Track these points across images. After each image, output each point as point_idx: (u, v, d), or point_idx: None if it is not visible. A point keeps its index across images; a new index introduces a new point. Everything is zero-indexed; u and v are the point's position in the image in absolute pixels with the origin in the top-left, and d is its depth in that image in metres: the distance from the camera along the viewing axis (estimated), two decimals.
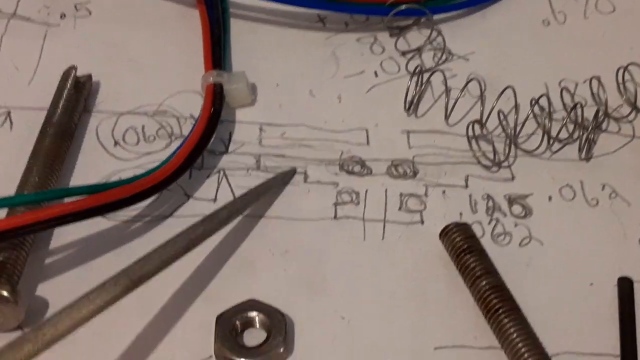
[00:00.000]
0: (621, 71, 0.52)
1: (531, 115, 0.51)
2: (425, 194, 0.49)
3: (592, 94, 0.53)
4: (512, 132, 0.51)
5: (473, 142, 0.51)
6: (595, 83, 0.52)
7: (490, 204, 0.49)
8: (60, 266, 0.46)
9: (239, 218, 0.48)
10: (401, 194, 0.49)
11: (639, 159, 0.50)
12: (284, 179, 0.50)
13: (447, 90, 0.53)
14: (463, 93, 0.52)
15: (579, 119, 0.51)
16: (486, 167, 0.50)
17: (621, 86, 0.53)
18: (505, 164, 0.50)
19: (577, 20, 0.58)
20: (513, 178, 0.50)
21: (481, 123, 0.51)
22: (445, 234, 0.46)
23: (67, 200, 0.45)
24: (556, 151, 0.51)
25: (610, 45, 0.56)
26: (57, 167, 0.49)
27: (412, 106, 0.53)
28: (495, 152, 0.50)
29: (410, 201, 0.49)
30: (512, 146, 0.51)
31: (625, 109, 0.52)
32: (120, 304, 0.44)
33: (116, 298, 0.40)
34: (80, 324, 0.40)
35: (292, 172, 0.50)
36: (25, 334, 0.39)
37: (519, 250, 0.47)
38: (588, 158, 0.50)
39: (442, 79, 0.53)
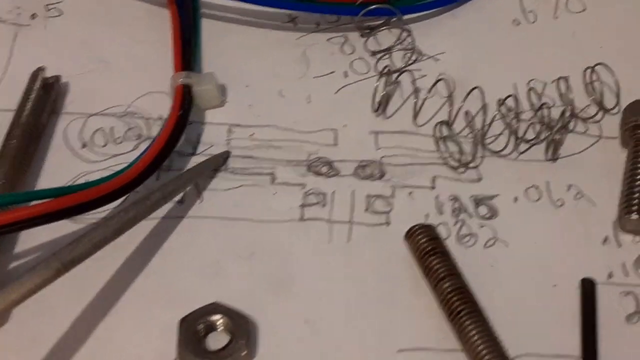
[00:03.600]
0: (589, 71, 0.52)
1: (498, 116, 0.51)
2: (392, 196, 0.50)
3: (560, 94, 0.53)
4: (480, 132, 0.51)
5: (440, 143, 0.51)
6: (562, 83, 0.52)
7: (457, 205, 0.49)
8: (25, 268, 0.46)
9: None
10: (368, 196, 0.50)
11: (605, 159, 0.51)
12: (217, 161, 0.50)
13: (416, 91, 0.53)
14: (431, 93, 0.52)
15: (546, 120, 0.51)
16: (453, 168, 0.50)
17: (589, 86, 0.53)
18: (473, 164, 0.50)
19: (547, 19, 0.58)
20: (480, 179, 0.50)
21: (448, 124, 0.51)
22: (410, 235, 0.46)
23: (33, 203, 0.45)
24: (523, 152, 0.51)
25: (580, 45, 0.56)
26: (24, 169, 0.49)
27: (380, 107, 0.53)
28: (462, 153, 0.50)
29: (377, 203, 0.49)
30: (480, 147, 0.51)
31: (593, 109, 0.52)
32: (82, 304, 0.45)
33: (47, 281, 0.41)
34: (12, 307, 0.41)
35: (225, 155, 0.50)
36: None
37: (484, 251, 0.47)
38: (554, 159, 0.51)
39: (412, 79, 0.53)
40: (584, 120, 0.52)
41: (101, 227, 0.44)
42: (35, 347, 0.44)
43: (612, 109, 0.52)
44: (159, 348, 0.43)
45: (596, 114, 0.52)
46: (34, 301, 0.44)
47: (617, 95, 0.52)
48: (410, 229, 0.46)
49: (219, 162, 0.50)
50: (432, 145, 0.51)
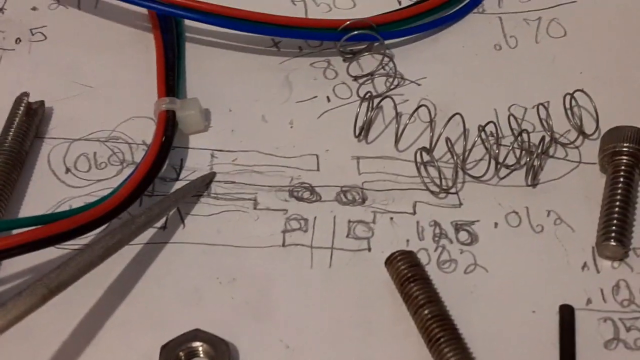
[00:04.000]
0: (568, 97, 0.53)
1: (479, 142, 0.51)
2: (373, 221, 0.50)
3: (540, 119, 0.53)
4: (460, 158, 0.51)
5: (421, 168, 0.51)
6: (542, 109, 0.53)
7: (437, 230, 0.50)
8: (8, 297, 0.46)
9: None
10: (349, 221, 0.50)
11: (585, 185, 0.51)
12: (202, 183, 0.50)
13: (398, 116, 0.53)
14: (413, 119, 0.53)
15: (526, 145, 0.51)
16: (434, 194, 0.51)
17: (568, 112, 0.53)
18: (453, 190, 0.51)
19: (529, 44, 0.58)
20: (460, 204, 0.51)
21: (428, 150, 0.51)
22: (390, 262, 0.47)
23: (15, 231, 0.46)
24: (503, 177, 0.51)
25: (561, 70, 0.56)
26: (6, 194, 0.49)
27: (362, 132, 0.53)
28: (442, 178, 0.51)
29: (358, 228, 0.50)
30: (460, 172, 0.51)
31: (573, 134, 0.53)
32: (63, 330, 0.45)
33: (34, 307, 0.41)
34: None
35: (211, 176, 0.51)
36: None
37: (463, 277, 0.48)
38: (534, 184, 0.51)
39: (393, 104, 0.54)
40: (564, 145, 0.53)
41: (87, 252, 0.44)
42: None
43: (591, 134, 0.53)
44: None
45: (576, 139, 0.53)
46: (15, 329, 0.45)
47: (597, 121, 0.53)
48: (391, 255, 0.47)
49: (205, 183, 0.51)
50: (413, 171, 0.52)
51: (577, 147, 0.53)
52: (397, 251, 0.47)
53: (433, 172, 0.51)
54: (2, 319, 0.40)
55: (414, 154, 0.51)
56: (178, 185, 0.51)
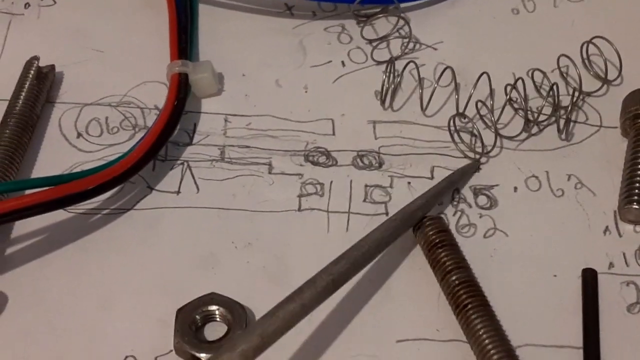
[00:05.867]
0: (585, 46, 0.52)
1: (507, 103, 0.50)
2: (391, 186, 0.49)
3: (561, 72, 0.52)
4: (493, 120, 0.50)
5: (455, 135, 0.50)
6: (563, 59, 0.52)
7: (456, 195, 0.49)
8: (20, 260, 0.46)
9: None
10: (366, 185, 0.49)
11: (605, 149, 0.50)
12: (464, 172, 0.49)
13: (421, 81, 0.52)
14: (433, 83, 0.52)
15: (555, 100, 0.50)
16: (472, 159, 0.50)
17: (586, 61, 0.53)
18: (492, 153, 0.50)
19: (547, 8, 0.57)
20: (479, 169, 0.50)
21: (463, 114, 0.50)
22: (418, 227, 0.46)
23: (27, 192, 0.45)
24: (535, 134, 0.50)
25: (580, 34, 0.55)
26: (18, 158, 0.48)
27: (386, 98, 0.52)
28: (482, 142, 0.50)
29: (375, 192, 0.49)
30: (496, 134, 0.50)
31: (594, 84, 0.52)
32: (78, 295, 0.44)
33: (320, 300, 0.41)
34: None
35: (475, 165, 0.49)
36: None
37: (483, 241, 0.47)
38: (568, 139, 0.50)
39: (413, 68, 0.53)
40: (589, 94, 0.52)
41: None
42: (30, 339, 0.43)
43: (614, 79, 0.52)
44: (156, 338, 0.43)
45: (600, 87, 0.52)
46: (29, 295, 0.44)
47: (620, 65, 0.52)
48: (419, 221, 0.46)
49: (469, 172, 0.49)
50: (430, 135, 0.51)
51: (601, 96, 0.52)
52: (426, 216, 0.46)
53: (464, 139, 0.50)
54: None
55: (448, 120, 0.50)
56: (191, 149, 0.50)
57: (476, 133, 0.50)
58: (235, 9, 0.57)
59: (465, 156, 0.50)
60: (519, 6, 0.57)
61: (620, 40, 0.53)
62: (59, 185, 0.44)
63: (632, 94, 0.50)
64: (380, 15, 0.56)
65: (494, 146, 0.50)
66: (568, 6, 0.57)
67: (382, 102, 0.52)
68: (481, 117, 0.51)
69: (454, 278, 0.44)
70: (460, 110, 0.50)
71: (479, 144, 0.50)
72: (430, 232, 0.45)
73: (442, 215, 0.48)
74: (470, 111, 0.51)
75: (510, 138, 0.50)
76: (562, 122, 0.50)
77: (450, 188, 0.48)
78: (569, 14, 0.57)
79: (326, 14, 0.57)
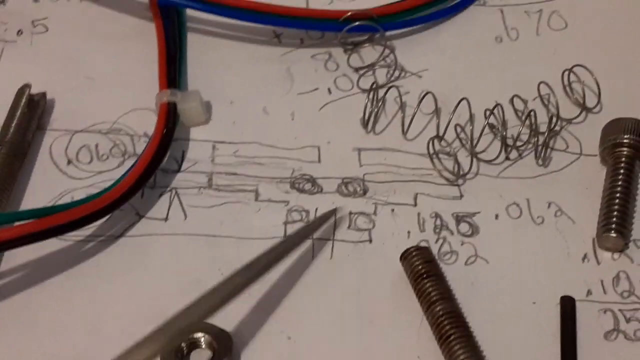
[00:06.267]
0: (566, 73, 0.54)
1: (487, 128, 0.51)
2: (375, 213, 0.50)
3: (542, 99, 0.53)
4: (471, 143, 0.51)
5: (434, 157, 0.51)
6: (544, 88, 0.53)
7: (438, 222, 0.50)
8: (10, 289, 0.47)
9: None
10: (350, 213, 0.50)
11: (585, 177, 0.51)
12: (321, 220, 0.49)
13: (402, 106, 0.53)
14: (415, 109, 0.53)
15: (534, 126, 0.51)
16: (449, 181, 0.51)
17: (567, 88, 0.54)
18: (470, 175, 0.51)
19: (530, 37, 0.58)
20: (461, 196, 0.51)
21: (441, 138, 0.51)
22: (404, 257, 0.47)
23: (17, 224, 0.46)
24: (514, 159, 0.52)
25: (562, 62, 0.56)
26: (8, 186, 0.49)
27: (369, 123, 0.53)
28: (458, 164, 0.51)
29: (359, 220, 0.50)
30: (472, 158, 0.51)
31: (575, 112, 0.53)
32: (64, 320, 0.45)
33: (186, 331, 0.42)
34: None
35: (332, 213, 0.50)
36: None
37: (464, 269, 0.48)
38: (545, 165, 0.51)
39: (396, 95, 0.54)
40: (569, 121, 0.53)
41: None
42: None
43: (593, 107, 0.54)
44: None
45: (579, 114, 0.53)
46: (16, 321, 0.45)
47: (598, 94, 0.53)
48: (406, 250, 0.47)
49: (324, 220, 0.49)
50: (414, 162, 0.52)
51: (580, 123, 0.53)
52: (413, 247, 0.47)
53: (443, 160, 0.52)
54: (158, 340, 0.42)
55: (427, 143, 0.51)
56: (179, 176, 0.51)
57: (452, 155, 0.51)
58: (224, 37, 0.58)
59: (443, 177, 0.51)
60: (503, 34, 0.58)
61: (600, 68, 0.54)
62: (49, 216, 0.45)
63: (611, 123, 0.51)
64: (367, 45, 0.57)
65: (469, 169, 0.51)
66: (550, 34, 0.58)
67: (365, 126, 0.53)
68: (460, 141, 0.52)
69: (438, 309, 0.45)
70: (441, 134, 0.51)
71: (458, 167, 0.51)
72: (417, 262, 0.46)
73: (424, 242, 0.49)
74: (452, 136, 0.52)
75: (488, 162, 0.52)
76: (540, 147, 0.51)
77: (306, 237, 0.48)
78: (551, 42, 0.58)
79: (313, 42, 0.58)
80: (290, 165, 0.52)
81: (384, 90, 0.54)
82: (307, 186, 0.51)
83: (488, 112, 0.51)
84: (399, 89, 0.54)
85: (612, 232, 0.47)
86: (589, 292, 0.47)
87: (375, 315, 0.46)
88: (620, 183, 0.49)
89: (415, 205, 0.50)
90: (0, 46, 0.58)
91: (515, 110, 0.53)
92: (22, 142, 0.51)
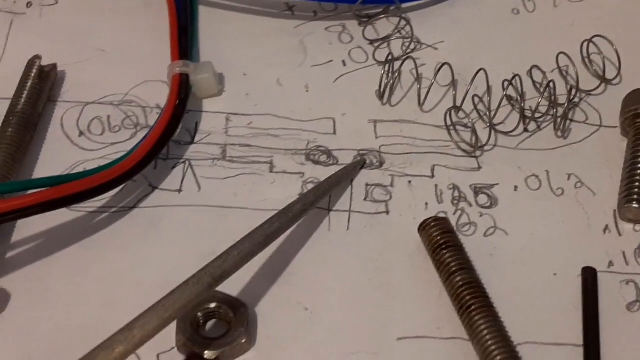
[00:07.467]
0: (585, 44, 0.53)
1: (505, 99, 0.51)
2: (391, 184, 0.49)
3: (560, 71, 0.53)
4: (489, 115, 0.50)
5: (451, 129, 0.51)
6: (563, 58, 0.53)
7: (456, 194, 0.49)
8: (23, 259, 0.46)
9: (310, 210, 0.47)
10: (367, 184, 0.49)
11: (605, 148, 0.50)
12: (354, 168, 0.49)
13: (419, 77, 0.53)
14: (435, 79, 0.52)
15: (552, 98, 0.51)
16: (467, 153, 0.50)
17: (586, 60, 0.53)
18: (488, 147, 0.50)
19: (547, 9, 0.57)
20: (479, 168, 0.50)
21: (459, 108, 0.50)
22: (423, 228, 0.46)
23: (30, 192, 0.45)
24: (532, 131, 0.51)
25: (580, 34, 0.55)
26: (20, 157, 0.49)
27: (385, 94, 0.52)
28: (476, 136, 0.50)
29: (376, 191, 0.49)
30: (491, 130, 0.50)
31: (594, 83, 0.53)
32: (79, 291, 0.45)
33: (200, 295, 0.40)
34: (167, 324, 0.40)
35: (362, 162, 0.50)
36: (115, 335, 0.38)
37: (483, 240, 0.47)
38: (565, 136, 0.50)
39: (412, 67, 0.53)
40: (587, 92, 0.52)
41: (248, 240, 0.43)
42: (33, 336, 0.44)
43: (613, 79, 0.53)
44: (158, 336, 0.43)
45: (598, 86, 0.52)
46: (30, 291, 0.45)
47: (619, 65, 0.53)
48: (424, 221, 0.46)
49: (356, 170, 0.49)
50: (431, 134, 0.51)
51: (599, 95, 0.52)
52: (431, 217, 0.46)
53: (461, 131, 0.51)
54: (171, 308, 0.39)
55: (444, 114, 0.50)
56: (193, 148, 0.51)
57: (470, 126, 0.50)
58: (236, 9, 0.57)
59: (461, 149, 0.50)
60: (519, 6, 0.58)
61: (620, 40, 0.54)
62: (61, 185, 0.44)
63: (632, 93, 0.50)
64: (382, 16, 0.56)
65: (487, 141, 0.50)
66: (568, 6, 0.57)
67: (381, 97, 0.52)
68: (478, 112, 0.51)
69: (458, 279, 0.44)
70: (458, 105, 0.51)
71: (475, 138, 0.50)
72: (435, 233, 0.45)
73: (442, 213, 0.48)
74: (469, 108, 0.51)
75: (506, 133, 0.51)
76: (559, 119, 0.51)
77: (340, 182, 0.48)
78: (569, 14, 0.57)
79: (327, 14, 0.57)
80: (306, 137, 0.51)
81: (400, 62, 0.53)
82: (323, 158, 0.50)
83: (506, 83, 0.51)
84: (415, 60, 0.53)
85: (634, 202, 0.47)
86: (610, 264, 0.46)
87: (393, 287, 0.45)
88: None
89: (433, 177, 0.50)
90: (9, 18, 0.57)
91: (534, 82, 0.53)
92: (33, 113, 0.50)
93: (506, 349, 0.42)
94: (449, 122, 0.51)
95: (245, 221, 0.47)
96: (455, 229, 0.47)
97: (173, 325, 0.43)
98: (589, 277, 0.45)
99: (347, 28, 0.57)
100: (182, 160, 0.50)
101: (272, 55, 0.55)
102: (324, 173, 0.50)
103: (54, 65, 0.53)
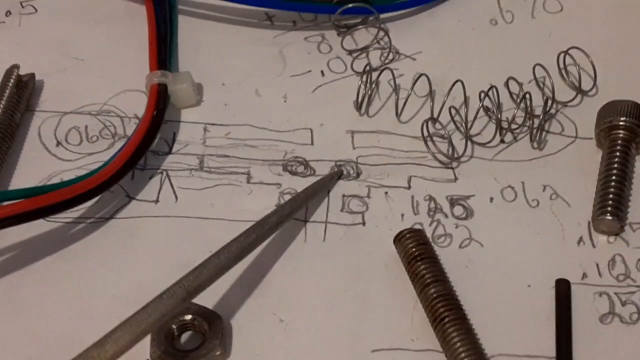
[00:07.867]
0: (562, 56, 0.53)
1: (481, 110, 0.51)
2: (368, 195, 0.50)
3: (537, 82, 0.53)
4: (465, 126, 0.51)
5: (428, 140, 0.51)
6: (539, 69, 0.53)
7: (432, 205, 0.49)
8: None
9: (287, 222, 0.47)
10: (344, 195, 0.49)
11: (581, 160, 0.51)
12: (331, 179, 0.49)
13: (396, 88, 0.53)
14: (413, 90, 0.52)
15: (529, 109, 0.51)
16: (444, 164, 0.50)
17: (563, 71, 0.53)
18: (465, 158, 0.50)
19: (525, 19, 0.58)
20: (456, 179, 0.50)
21: (435, 120, 0.51)
22: (398, 240, 0.46)
23: (5, 203, 0.45)
24: (509, 142, 0.51)
25: (557, 45, 0.55)
26: None
27: (362, 105, 0.52)
28: (453, 147, 0.50)
29: (353, 202, 0.49)
30: (467, 141, 0.51)
31: (569, 94, 0.53)
32: (55, 302, 0.44)
33: (174, 310, 0.40)
34: (141, 338, 0.40)
35: (339, 173, 0.50)
36: (87, 350, 0.39)
37: (459, 251, 0.47)
38: (540, 147, 0.51)
39: (390, 77, 0.53)
40: (564, 104, 0.52)
41: (223, 253, 0.43)
42: (9, 348, 0.44)
43: (589, 90, 0.53)
44: (133, 347, 0.43)
45: (574, 97, 0.53)
46: (6, 302, 0.45)
47: (594, 76, 0.53)
48: (399, 233, 0.46)
49: (333, 181, 0.50)
50: (408, 145, 0.51)
51: (575, 106, 0.53)
52: (406, 229, 0.46)
53: (438, 142, 0.51)
54: (144, 322, 0.40)
55: (421, 125, 0.51)
56: (170, 158, 0.51)
57: (447, 137, 0.50)
58: (215, 19, 0.57)
59: (437, 160, 0.51)
60: (497, 17, 0.58)
61: (596, 52, 0.54)
62: (38, 196, 0.44)
63: (607, 105, 0.51)
64: (361, 27, 0.57)
65: (464, 152, 0.50)
66: (546, 17, 0.58)
67: (359, 108, 0.53)
68: (455, 123, 0.51)
69: (432, 291, 0.44)
70: (435, 117, 0.51)
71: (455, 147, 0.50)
72: (410, 245, 0.46)
73: (418, 225, 0.48)
74: (446, 119, 0.51)
75: (482, 144, 0.51)
76: (535, 130, 0.51)
77: (317, 193, 0.49)
78: (546, 25, 0.57)
79: (306, 24, 0.57)
80: (283, 148, 0.51)
81: (378, 72, 0.53)
82: (300, 169, 0.51)
83: (483, 94, 0.51)
84: (392, 71, 0.54)
85: (608, 214, 0.47)
86: (584, 275, 0.46)
87: (369, 298, 0.46)
88: (616, 166, 0.49)
89: (409, 188, 0.50)
90: None
91: (510, 93, 0.53)
92: (10, 123, 0.50)
93: None
94: (425, 133, 0.51)
95: (222, 232, 0.48)
96: (430, 240, 0.47)
97: (147, 338, 0.43)
98: (563, 289, 0.45)
99: (326, 38, 0.57)
100: (159, 171, 0.50)
101: (250, 65, 0.55)
102: (301, 184, 0.50)
103: (32, 75, 0.53)
